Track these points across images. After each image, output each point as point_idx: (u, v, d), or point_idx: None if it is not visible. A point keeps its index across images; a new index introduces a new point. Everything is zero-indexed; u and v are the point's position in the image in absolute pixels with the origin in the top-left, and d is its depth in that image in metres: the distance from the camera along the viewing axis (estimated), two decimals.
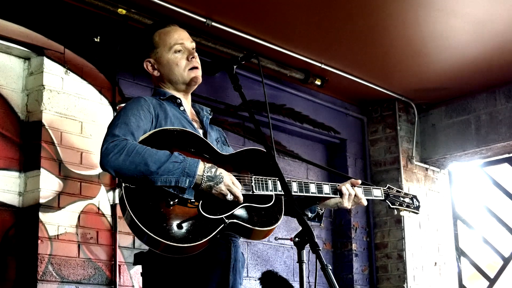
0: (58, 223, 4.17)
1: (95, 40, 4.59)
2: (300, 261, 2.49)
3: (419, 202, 3.12)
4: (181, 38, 2.75)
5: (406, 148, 6.65)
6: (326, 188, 2.80)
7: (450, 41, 5.46)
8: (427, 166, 6.78)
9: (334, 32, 5.31)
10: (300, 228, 2.32)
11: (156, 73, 2.75)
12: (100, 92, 4.56)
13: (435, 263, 6.65)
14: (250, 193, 2.55)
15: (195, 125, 2.72)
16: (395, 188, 3.06)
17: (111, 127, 2.51)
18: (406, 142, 6.67)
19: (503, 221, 6.61)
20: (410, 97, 6.62)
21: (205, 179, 2.42)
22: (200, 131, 2.73)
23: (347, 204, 2.84)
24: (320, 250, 2.19)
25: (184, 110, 2.72)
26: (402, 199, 3.06)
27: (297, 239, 2.45)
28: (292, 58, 5.61)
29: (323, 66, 5.77)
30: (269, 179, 2.61)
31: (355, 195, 2.84)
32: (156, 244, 2.37)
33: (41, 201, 4.11)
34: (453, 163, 6.87)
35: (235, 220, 2.49)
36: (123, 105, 3.04)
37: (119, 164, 2.38)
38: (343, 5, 4.91)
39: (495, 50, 5.61)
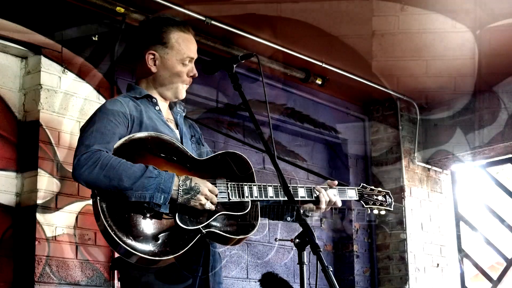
0: (55, 224, 4.14)
1: (93, 39, 4.56)
2: (300, 262, 2.48)
3: (391, 199, 3.10)
4: (193, 52, 2.69)
5: (408, 148, 6.61)
6: (302, 192, 2.75)
7: (452, 40, 5.43)
8: (429, 166, 6.74)
9: (334, 31, 5.27)
10: (301, 229, 2.29)
11: (153, 69, 2.66)
12: (98, 91, 4.53)
13: (437, 264, 6.61)
14: (226, 200, 2.51)
15: (171, 125, 2.67)
16: (369, 186, 3.04)
17: (84, 135, 2.45)
18: (408, 142, 6.63)
19: (506, 222, 6.57)
20: (412, 97, 6.58)
21: (181, 193, 2.38)
22: (176, 131, 2.68)
23: (324, 210, 2.80)
24: (321, 251, 2.19)
25: (159, 110, 2.66)
26: (375, 197, 3.03)
27: (297, 240, 2.44)
28: (293, 57, 5.57)
29: (324, 65, 5.73)
30: (245, 185, 2.56)
31: (329, 201, 2.79)
32: (132, 256, 2.33)
33: (39, 201, 4.07)
34: (456, 163, 6.83)
35: (212, 230, 2.47)
36: None
37: (92, 178, 2.32)
38: (344, 3, 4.86)
39: (497, 49, 5.57)
